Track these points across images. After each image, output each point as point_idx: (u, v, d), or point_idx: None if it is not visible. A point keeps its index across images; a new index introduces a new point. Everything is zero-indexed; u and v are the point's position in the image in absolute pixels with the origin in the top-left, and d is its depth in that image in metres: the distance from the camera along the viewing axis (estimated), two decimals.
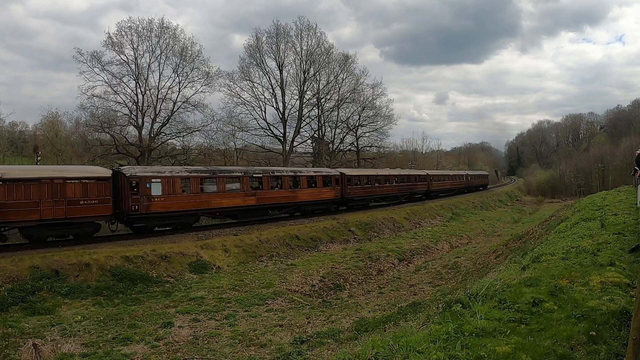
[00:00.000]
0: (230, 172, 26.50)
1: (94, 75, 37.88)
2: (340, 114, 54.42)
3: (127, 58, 38.80)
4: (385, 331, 9.12)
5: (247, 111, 49.05)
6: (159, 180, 22.02)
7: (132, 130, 42.18)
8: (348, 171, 36.69)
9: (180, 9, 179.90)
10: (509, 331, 5.31)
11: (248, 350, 10.86)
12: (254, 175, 27.33)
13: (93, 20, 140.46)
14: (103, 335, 11.58)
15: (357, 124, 55.95)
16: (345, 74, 53.17)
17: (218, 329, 12.44)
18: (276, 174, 29.00)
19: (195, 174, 24.01)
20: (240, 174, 26.46)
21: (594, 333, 5.07)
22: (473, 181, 68.44)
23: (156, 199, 21.77)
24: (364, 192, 37.18)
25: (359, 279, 20.34)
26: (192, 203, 23.43)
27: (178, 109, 41.65)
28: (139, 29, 39.08)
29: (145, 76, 39.90)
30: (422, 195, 48.29)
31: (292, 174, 30.41)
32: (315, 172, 33.39)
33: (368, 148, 58.24)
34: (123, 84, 39.23)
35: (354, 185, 35.85)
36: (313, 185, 31.70)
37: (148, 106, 40.48)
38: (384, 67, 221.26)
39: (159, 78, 40.85)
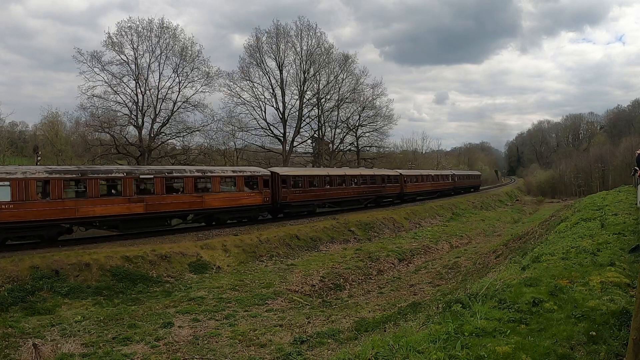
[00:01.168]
0: (107, 173, 21.55)
1: (94, 75, 37.94)
2: (340, 114, 54.47)
3: (127, 58, 38.85)
4: (385, 331, 9.11)
5: (247, 111, 49.12)
6: (7, 183, 17.81)
7: (132, 130, 42.28)
8: (284, 170, 31.07)
9: (180, 8, 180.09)
10: (509, 331, 5.31)
11: (248, 350, 10.85)
12: (142, 176, 22.46)
13: (93, 20, 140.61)
14: (103, 335, 11.58)
15: (357, 124, 55.96)
16: (345, 74, 53.23)
17: (218, 329, 12.44)
18: (175, 174, 23.83)
19: (58, 176, 19.43)
20: (122, 175, 21.62)
21: (594, 333, 5.07)
22: (462, 182, 62.91)
23: (3, 207, 17.60)
24: (306, 196, 31.04)
25: (359, 279, 20.34)
26: (54, 211, 18.92)
27: (178, 109, 41.70)
28: (139, 29, 39.13)
29: (145, 76, 39.95)
30: (394, 199, 43.07)
31: (199, 174, 24.85)
32: (234, 171, 27.88)
33: (368, 148, 58.26)
34: (123, 84, 39.29)
35: (292, 187, 29.94)
36: (230, 188, 26.18)
37: (148, 106, 40.52)
38: (383, 67, 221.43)
39: (159, 78, 40.91)
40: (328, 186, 33.38)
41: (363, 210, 36.74)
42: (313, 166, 49.14)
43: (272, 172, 29.24)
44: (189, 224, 25.60)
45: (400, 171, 45.98)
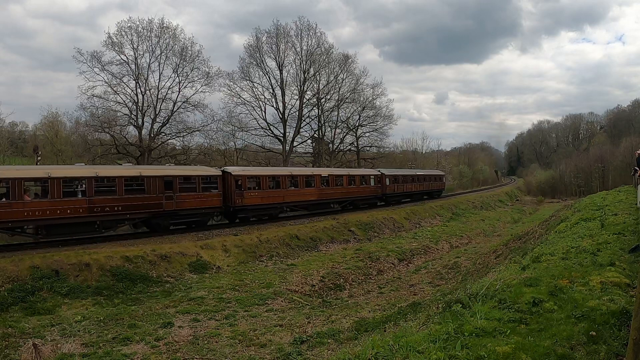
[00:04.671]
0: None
1: (94, 75, 37.98)
2: (340, 114, 54.47)
3: (127, 58, 38.88)
4: (385, 331, 9.11)
5: (247, 111, 49.13)
6: None
7: (132, 130, 42.30)
8: (238, 170, 26.51)
9: (179, 8, 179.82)
10: (509, 331, 5.31)
11: (248, 350, 10.86)
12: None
13: (92, 20, 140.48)
14: (103, 335, 11.58)
15: (357, 124, 55.96)
16: (345, 74, 53.23)
17: (218, 329, 12.44)
18: (105, 174, 20.51)
19: None
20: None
21: (594, 333, 5.07)
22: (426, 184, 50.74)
23: None
24: (265, 198, 26.87)
25: (359, 279, 20.34)
26: None
27: (178, 109, 41.72)
28: (139, 29, 39.16)
29: (145, 76, 39.98)
30: (374, 201, 38.48)
31: (133, 173, 21.32)
32: (173, 171, 23.50)
33: (368, 148, 58.24)
34: (123, 84, 39.33)
35: (248, 189, 25.78)
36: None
37: (148, 106, 40.54)
38: (383, 67, 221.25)
39: (159, 78, 40.93)
40: (293, 188, 29.45)
41: (362, 210, 36.41)
42: (313, 166, 48.86)
43: (223, 171, 25.63)
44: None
45: (382, 170, 41.21)
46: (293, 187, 29.59)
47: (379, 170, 40.69)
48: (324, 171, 34.76)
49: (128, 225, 22.96)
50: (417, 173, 49.20)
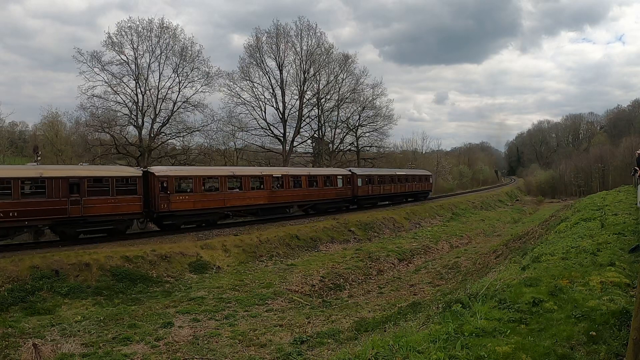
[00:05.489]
0: None
1: (94, 75, 37.87)
2: (340, 114, 54.38)
3: (127, 58, 38.79)
4: (385, 331, 9.12)
5: (247, 111, 49.03)
6: None
7: (132, 130, 42.23)
8: (163, 170, 23.32)
9: (179, 8, 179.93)
10: (509, 331, 5.31)
11: (248, 350, 10.86)
12: None
13: (92, 20, 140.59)
14: (103, 335, 11.59)
15: (357, 124, 55.89)
16: (345, 74, 53.12)
17: (218, 329, 12.45)
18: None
19: None
20: None
21: (594, 333, 5.07)
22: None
23: None
24: (199, 202, 23.55)
25: (359, 279, 20.34)
26: None
27: (178, 109, 41.64)
28: (139, 29, 39.05)
29: (145, 76, 39.90)
30: (342, 205, 35.02)
31: (33, 174, 18.85)
32: (81, 171, 20.46)
33: (368, 148, 58.16)
34: (123, 84, 39.23)
35: (177, 192, 22.77)
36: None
37: (148, 106, 40.49)
38: (383, 67, 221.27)
39: (159, 78, 40.84)
40: (237, 190, 25.87)
41: (362, 210, 36.27)
42: (313, 166, 48.54)
43: (146, 171, 22.41)
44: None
45: (353, 170, 37.09)
46: (238, 190, 25.89)
47: (349, 170, 36.77)
48: (277, 171, 30.74)
49: (28, 234, 20.13)
50: (398, 173, 44.23)
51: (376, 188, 38.55)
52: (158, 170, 23.01)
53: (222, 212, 25.53)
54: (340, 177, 34.37)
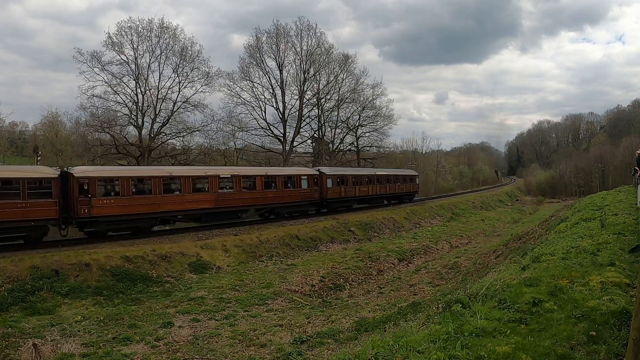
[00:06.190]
0: None
1: (94, 75, 37.96)
2: (340, 114, 54.40)
3: (127, 58, 38.85)
4: (385, 331, 9.12)
5: (247, 111, 49.07)
6: None
7: (132, 130, 42.33)
8: (84, 171, 20.81)
9: (179, 8, 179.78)
10: (509, 331, 5.31)
11: (248, 350, 10.86)
12: None
13: (92, 20, 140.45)
14: (103, 335, 11.59)
15: (357, 124, 55.90)
16: (345, 74, 53.15)
17: (218, 329, 12.45)
18: None
19: None
20: None
21: (594, 333, 5.07)
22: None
23: None
24: (128, 207, 21.00)
25: (359, 279, 20.35)
26: None
27: (178, 109, 41.70)
28: (139, 29, 39.12)
29: (145, 76, 39.96)
30: (309, 209, 31.84)
31: None
32: None
33: (368, 148, 58.17)
34: (123, 84, 39.30)
35: (102, 195, 20.28)
36: None
37: (148, 106, 40.53)
38: (383, 67, 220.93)
39: (159, 78, 40.91)
40: (177, 192, 23.01)
41: (362, 210, 36.23)
42: (313, 166, 48.20)
43: (64, 172, 20.17)
44: None
45: (322, 169, 33.59)
46: (177, 192, 23.00)
47: (317, 169, 33.49)
48: (226, 170, 27.52)
49: None
50: (377, 173, 40.79)
51: (350, 190, 35.19)
52: (78, 170, 20.58)
53: (156, 217, 22.64)
54: (305, 177, 30.97)
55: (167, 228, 24.47)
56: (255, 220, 27.75)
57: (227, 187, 25.54)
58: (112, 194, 20.87)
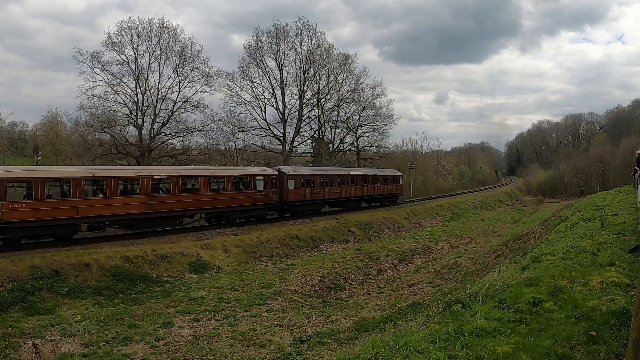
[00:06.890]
0: None
1: (94, 75, 37.92)
2: (340, 114, 54.36)
3: (127, 58, 38.82)
4: (385, 331, 9.11)
5: (247, 111, 49.03)
6: None
7: (132, 130, 42.30)
8: None
9: (179, 8, 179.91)
10: (509, 331, 5.31)
11: (248, 350, 10.86)
12: None
13: (92, 20, 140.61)
14: (103, 335, 11.59)
15: (357, 124, 55.86)
16: (345, 74, 53.10)
17: (218, 329, 12.45)
18: None
19: None
20: None
21: (594, 333, 5.07)
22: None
23: None
24: (49, 212, 18.53)
25: (359, 279, 20.35)
26: None
27: (178, 109, 41.68)
28: (139, 29, 39.08)
29: (145, 76, 39.93)
30: (266, 214, 28.79)
31: None
32: None
33: (368, 148, 58.13)
34: (123, 84, 39.27)
35: (13, 199, 18.04)
36: None
37: (148, 106, 40.51)
38: (383, 67, 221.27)
39: (159, 78, 40.87)
40: (101, 195, 20.50)
41: (362, 210, 36.13)
42: (313, 166, 48.13)
43: None
44: None
45: (283, 169, 30.59)
46: (102, 195, 20.52)
47: (277, 169, 30.34)
48: (161, 171, 24.72)
49: None
50: (352, 173, 37.32)
51: (318, 191, 31.79)
52: None
53: (78, 223, 20.07)
54: (261, 178, 27.64)
55: (97, 235, 21.48)
56: (255, 220, 27.69)
57: (164, 189, 23.00)
58: (25, 197, 18.59)
